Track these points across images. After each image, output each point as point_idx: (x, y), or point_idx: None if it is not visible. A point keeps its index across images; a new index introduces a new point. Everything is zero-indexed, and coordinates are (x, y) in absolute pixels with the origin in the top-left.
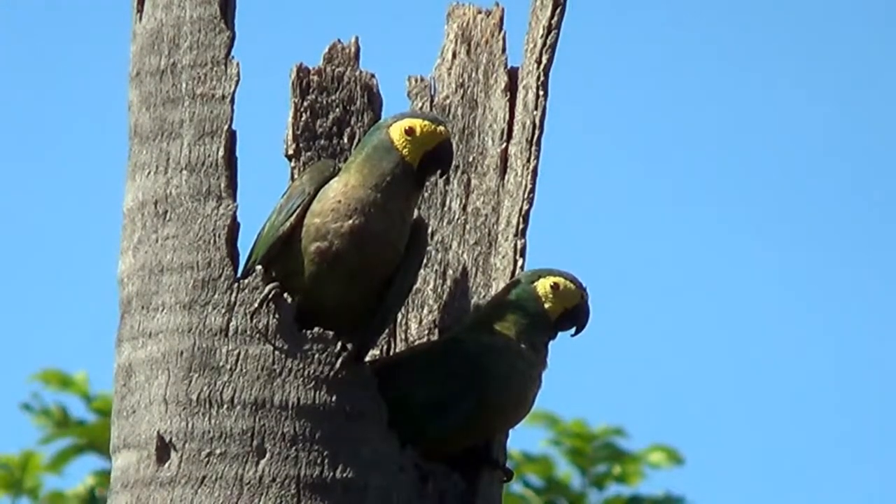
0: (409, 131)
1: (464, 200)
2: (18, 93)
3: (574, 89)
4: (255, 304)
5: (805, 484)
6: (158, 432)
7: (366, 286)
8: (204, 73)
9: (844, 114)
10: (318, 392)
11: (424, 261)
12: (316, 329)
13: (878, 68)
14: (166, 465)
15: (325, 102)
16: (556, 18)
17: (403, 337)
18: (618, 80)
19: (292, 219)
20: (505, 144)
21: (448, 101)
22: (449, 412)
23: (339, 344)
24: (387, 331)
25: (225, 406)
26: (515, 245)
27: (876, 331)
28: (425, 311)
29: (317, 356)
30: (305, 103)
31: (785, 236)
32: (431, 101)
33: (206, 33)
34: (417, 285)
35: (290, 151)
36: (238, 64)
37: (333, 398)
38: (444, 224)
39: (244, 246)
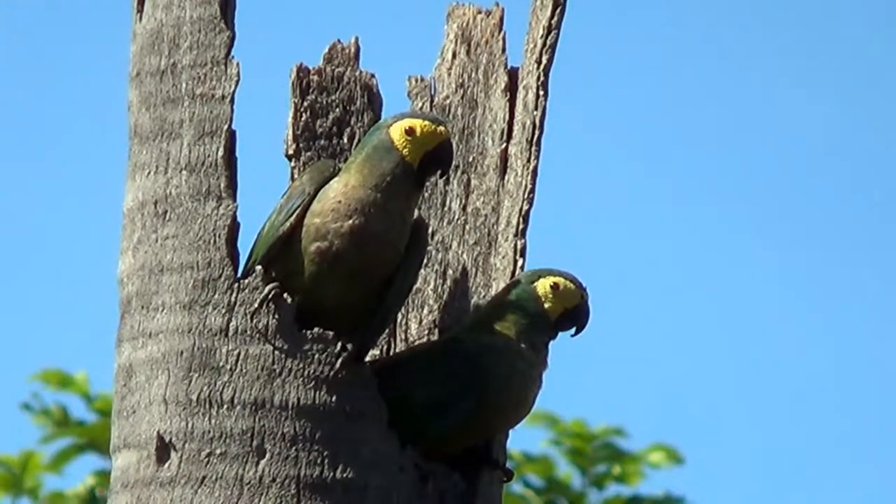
0: (410, 131)
1: (464, 200)
2: (18, 93)
3: (574, 89)
4: (255, 304)
5: (805, 484)
6: (158, 432)
7: (366, 286)
8: (204, 73)
9: (844, 114)
10: (318, 392)
11: (424, 261)
12: (316, 329)
13: (878, 68)
14: (166, 465)
15: (325, 102)
16: (556, 18)
17: (403, 337)
18: (618, 80)
19: (292, 219)
20: (505, 144)
21: (448, 101)
22: (449, 412)
23: (339, 344)
24: (387, 331)
25: (225, 406)
26: (515, 245)
27: (876, 331)
28: (425, 311)
29: (317, 356)
30: (305, 103)
31: (785, 236)
32: (431, 101)
33: (206, 33)
34: (417, 285)
35: (290, 151)
36: (238, 64)
37: (333, 398)
38: (444, 224)
39: (244, 246)
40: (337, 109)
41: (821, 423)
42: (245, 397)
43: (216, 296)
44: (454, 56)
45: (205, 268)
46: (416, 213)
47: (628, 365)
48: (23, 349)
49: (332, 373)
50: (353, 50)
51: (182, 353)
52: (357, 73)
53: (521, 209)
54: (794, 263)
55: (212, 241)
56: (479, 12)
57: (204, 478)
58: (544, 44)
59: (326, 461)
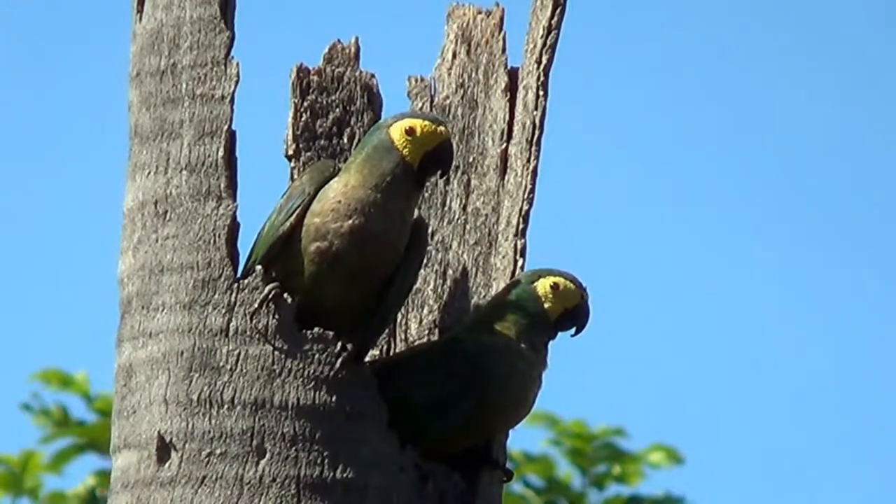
0: (410, 131)
1: (464, 200)
2: (18, 93)
3: (574, 89)
4: (255, 305)
5: (805, 484)
6: (159, 432)
7: (366, 286)
8: (204, 73)
9: (844, 114)
10: (318, 392)
11: (424, 261)
12: (316, 329)
13: (878, 68)
14: (166, 465)
15: (325, 102)
16: (556, 18)
17: (403, 337)
18: (618, 80)
19: (292, 219)
20: (505, 144)
21: (448, 101)
22: (449, 412)
23: (339, 344)
24: (387, 331)
25: (225, 406)
26: (515, 245)
27: (876, 331)
28: (425, 311)
29: (317, 356)
30: (305, 103)
31: (785, 236)
32: (431, 101)
33: (206, 33)
34: (417, 285)
35: (290, 151)
36: (238, 64)
37: (333, 398)
38: (444, 224)
39: (244, 246)
40: (337, 109)
41: (821, 423)
42: (245, 397)
43: (216, 296)
44: (454, 56)
45: (205, 268)
46: (416, 213)
47: (628, 365)
48: (23, 349)
49: (332, 373)
50: (353, 50)
51: (182, 353)
52: (357, 73)
53: (521, 209)
54: (794, 263)
55: (212, 241)
56: (479, 12)
57: (204, 478)
58: (544, 44)
59: (326, 461)
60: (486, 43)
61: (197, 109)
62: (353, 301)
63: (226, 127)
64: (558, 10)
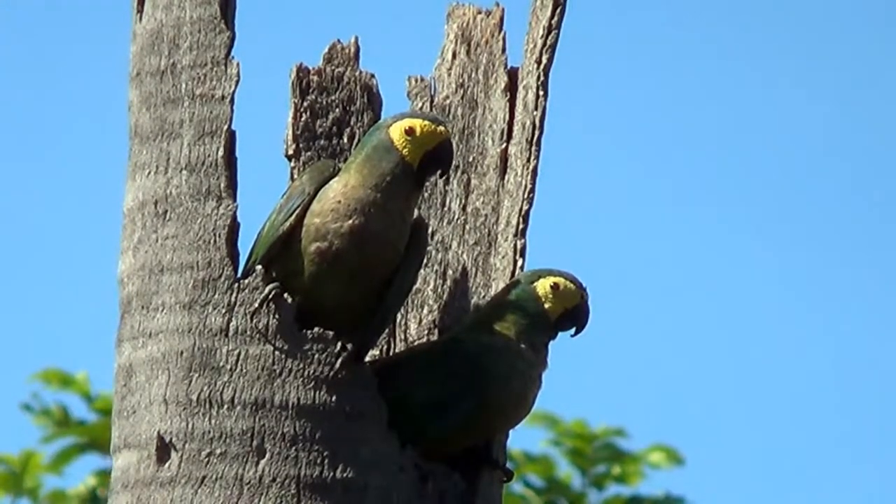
0: (410, 131)
1: (464, 200)
2: (18, 93)
3: (574, 89)
4: (256, 304)
5: (805, 484)
6: (159, 432)
7: (366, 286)
8: (204, 73)
9: (844, 114)
10: (318, 392)
11: (424, 261)
12: (316, 329)
13: (878, 68)
14: (166, 465)
15: (325, 102)
16: (556, 18)
17: (403, 337)
18: (618, 80)
19: (292, 219)
20: (505, 144)
21: (448, 101)
22: (449, 412)
23: (339, 344)
24: (387, 331)
25: (225, 406)
26: (515, 245)
27: (876, 331)
28: (425, 311)
29: (317, 356)
30: (305, 103)
31: (785, 236)
32: (431, 101)
33: (206, 33)
34: (417, 285)
35: (290, 151)
36: (238, 64)
37: (333, 398)
38: (444, 224)
39: (244, 246)
40: (337, 109)
41: (821, 423)
42: (245, 397)
43: (216, 296)
44: (454, 56)
45: (205, 268)
46: (416, 213)
47: (628, 365)
48: (23, 349)
49: (332, 373)
50: (353, 50)
51: (182, 353)
52: (357, 73)
53: (521, 209)
54: (793, 263)
55: (212, 241)
56: (479, 12)
57: (204, 478)
58: (544, 44)
59: (326, 461)
60: (486, 43)
61: (197, 109)
62: (353, 301)
63: (226, 127)
64: (558, 10)
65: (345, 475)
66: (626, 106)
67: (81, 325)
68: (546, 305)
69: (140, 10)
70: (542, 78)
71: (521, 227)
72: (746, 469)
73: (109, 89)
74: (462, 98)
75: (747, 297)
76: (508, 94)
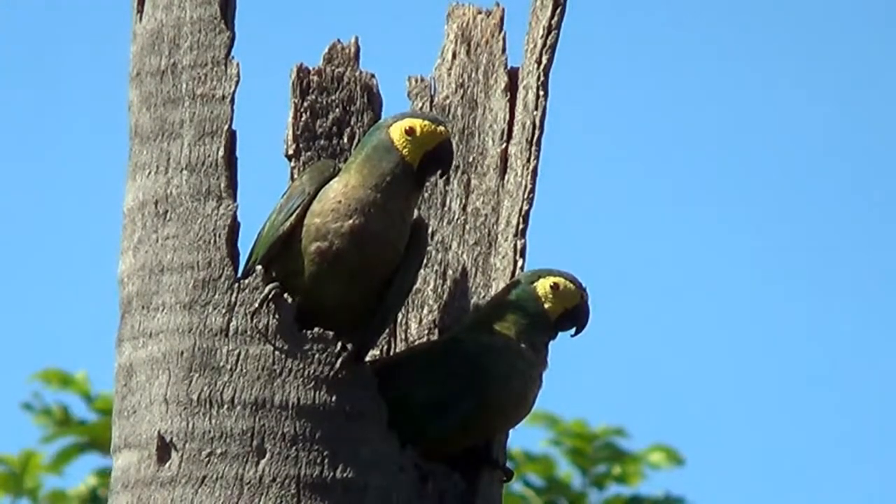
0: (410, 131)
1: (464, 200)
2: (18, 93)
3: (574, 89)
4: (256, 304)
5: (805, 484)
6: (159, 432)
7: (366, 286)
8: (204, 73)
9: (844, 114)
10: (318, 392)
11: (424, 261)
12: (316, 329)
13: (878, 68)
14: (167, 465)
15: (325, 102)
16: (556, 19)
17: (403, 337)
18: (618, 80)
19: (292, 219)
20: (505, 144)
21: (448, 101)
22: (449, 412)
23: (339, 344)
24: (387, 331)
25: (225, 406)
26: (515, 245)
27: (876, 331)
28: (425, 311)
29: (317, 356)
30: (305, 103)
31: (785, 236)
32: (431, 101)
33: (206, 33)
34: (417, 285)
35: (290, 151)
36: (238, 64)
37: (333, 398)
38: (444, 224)
39: (244, 246)
40: (337, 109)
41: (821, 423)
42: (245, 397)
43: (216, 296)
44: (454, 56)
45: (205, 268)
46: (416, 213)
47: (628, 365)
48: (23, 349)
49: (332, 373)
50: (353, 50)
51: (182, 353)
52: (357, 73)
53: (521, 209)
54: (793, 263)
55: (212, 241)
56: (479, 12)
57: (204, 478)
58: (544, 44)
59: (326, 461)
60: (486, 43)
61: (197, 109)
62: (353, 301)
63: (226, 127)
64: (558, 10)
65: (345, 475)
66: (626, 106)
67: (81, 325)
68: (546, 305)
69: (140, 10)
70: (542, 78)
71: (521, 227)
72: (746, 469)
73: (109, 89)
74: (462, 98)
75: (747, 297)
76: (508, 94)
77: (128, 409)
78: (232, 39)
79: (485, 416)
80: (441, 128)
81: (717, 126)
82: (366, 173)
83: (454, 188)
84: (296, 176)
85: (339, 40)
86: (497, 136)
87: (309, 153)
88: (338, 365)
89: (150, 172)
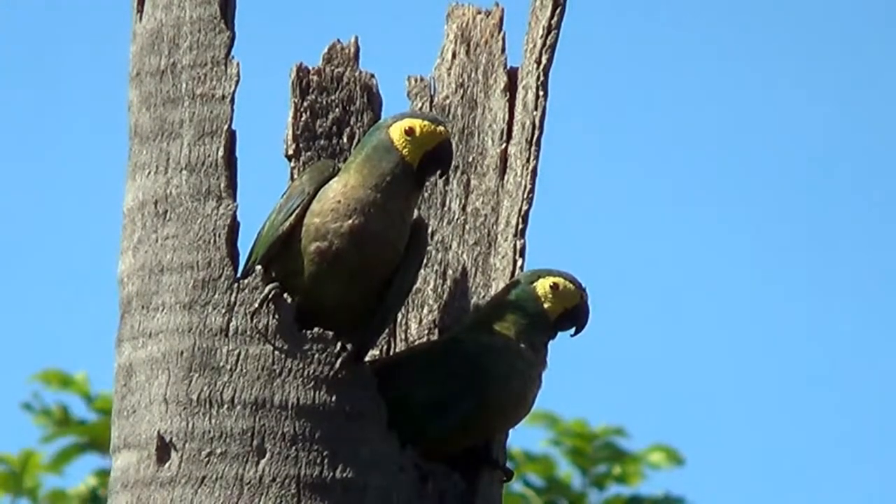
0: (409, 131)
1: (464, 200)
2: (18, 93)
3: (574, 89)
4: (255, 304)
5: (805, 484)
6: (159, 432)
7: (366, 286)
8: (204, 73)
9: (844, 114)
10: (318, 392)
11: (424, 261)
12: (316, 329)
13: (878, 68)
14: (166, 465)
15: (324, 102)
16: (555, 18)
17: (403, 337)
18: (618, 80)
19: (292, 218)
20: (505, 144)
21: (448, 101)
22: (449, 412)
23: (339, 344)
24: (387, 331)
25: (225, 406)
26: (515, 245)
27: (876, 331)
28: (425, 311)
29: (317, 356)
30: (305, 103)
31: (785, 236)
32: (431, 101)
33: (206, 33)
34: (417, 285)
35: (290, 151)
36: (238, 64)
37: (333, 398)
38: (444, 224)
39: (244, 246)
40: (337, 109)
41: (821, 423)
42: (245, 397)
43: (216, 296)
44: (454, 56)
45: (205, 268)
46: (416, 213)
47: (628, 365)
48: (23, 349)
49: (332, 373)
50: (352, 50)
51: (182, 353)
52: (357, 73)
53: (520, 209)
54: (794, 264)
55: (212, 241)
56: (479, 12)
57: (204, 478)
58: (544, 44)
59: (326, 461)
60: (485, 43)
61: (197, 109)
62: (353, 301)
63: (226, 127)
64: (558, 10)
65: (345, 475)
66: (626, 106)
67: (81, 325)
68: (546, 305)
69: (140, 10)
70: (541, 78)
71: (520, 227)
72: (746, 469)
73: (109, 89)
74: (462, 98)
75: (747, 297)
76: (508, 94)
77: (127, 409)
78: (232, 39)
79: (485, 416)
80: (441, 128)
81: (717, 126)
82: (366, 173)
83: (454, 188)
84: (296, 176)
85: (339, 40)
86: (497, 136)
87: (309, 153)
88: (338, 365)
89: (149, 172)
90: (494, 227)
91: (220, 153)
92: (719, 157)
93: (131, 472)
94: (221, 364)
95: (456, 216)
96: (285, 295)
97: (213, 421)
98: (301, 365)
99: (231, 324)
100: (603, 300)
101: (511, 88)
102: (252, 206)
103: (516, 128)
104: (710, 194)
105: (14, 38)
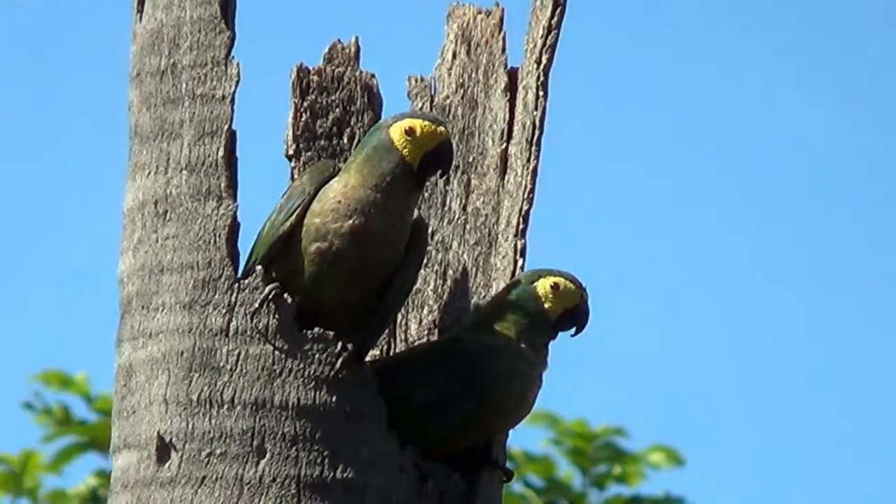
0: (410, 131)
1: (464, 200)
2: (18, 93)
3: (574, 89)
4: (256, 305)
5: (805, 484)
6: (159, 432)
7: (366, 286)
8: (204, 73)
9: (844, 114)
10: (318, 392)
11: (424, 261)
12: (316, 329)
13: (878, 68)
14: (166, 465)
15: (325, 102)
16: (556, 19)
17: (403, 337)
18: (618, 80)
19: (292, 219)
20: (505, 144)
21: (448, 101)
22: (449, 412)
23: (339, 344)
24: (387, 331)
25: (225, 406)
26: (515, 245)
27: (876, 331)
28: (425, 311)
29: (317, 356)
30: (305, 103)
31: (785, 236)
32: (431, 101)
33: (206, 33)
34: (417, 285)
35: (290, 151)
36: (238, 64)
37: (333, 398)
38: (444, 224)
39: (244, 246)
40: (337, 109)
41: (821, 423)
42: (245, 397)
43: (216, 296)
44: (454, 56)
45: (205, 268)
46: (416, 213)
47: (628, 365)
48: (23, 349)
49: (332, 373)
50: (353, 50)
51: (182, 353)
52: (357, 73)
53: (521, 209)
54: (794, 264)
55: (212, 241)
56: (479, 12)
57: (204, 478)
58: (544, 44)
59: (326, 461)
60: (486, 43)
61: (197, 109)
62: (353, 301)
63: (226, 127)
64: (558, 10)
65: (345, 475)
66: (626, 106)
67: (81, 325)
68: (546, 305)
69: (140, 10)
70: (542, 78)
71: (521, 227)
72: (746, 469)
73: (109, 89)
74: (462, 98)
75: (747, 297)
76: (508, 94)
77: (127, 409)
78: (232, 39)
79: (485, 416)
80: (441, 128)
81: (717, 126)
82: (366, 173)
83: (454, 188)
84: (296, 176)
85: (339, 40)
86: (497, 136)
87: (309, 153)
88: (338, 365)
89: (149, 172)
90: (495, 227)
91: (221, 153)
92: (719, 157)
93: (131, 473)
94: (221, 364)
95: (456, 216)
96: (285, 295)
97: (213, 421)
98: (301, 365)
99: (231, 324)
100: (603, 300)
101: (511, 88)
102: (252, 206)
103: (517, 128)
104: (710, 194)
105: (14, 38)
